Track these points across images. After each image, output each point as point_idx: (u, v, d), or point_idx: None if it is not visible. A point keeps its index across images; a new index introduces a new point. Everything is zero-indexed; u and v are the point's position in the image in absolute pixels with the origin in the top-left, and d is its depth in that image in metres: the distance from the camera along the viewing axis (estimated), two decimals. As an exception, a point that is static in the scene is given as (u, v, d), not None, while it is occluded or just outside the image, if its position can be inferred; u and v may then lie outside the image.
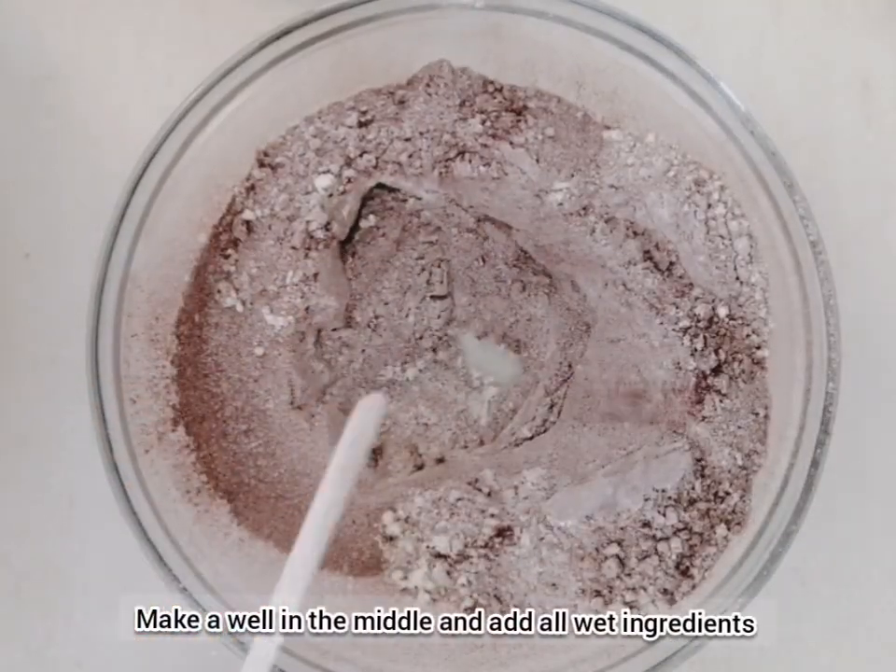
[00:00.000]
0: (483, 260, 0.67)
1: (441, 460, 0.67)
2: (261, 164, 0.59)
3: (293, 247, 0.59)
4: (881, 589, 0.66)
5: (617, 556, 0.57)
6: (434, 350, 0.68)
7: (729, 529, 0.56)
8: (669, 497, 0.57)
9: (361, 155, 0.59)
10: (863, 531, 0.66)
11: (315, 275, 0.60)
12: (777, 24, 0.69)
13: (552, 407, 0.66)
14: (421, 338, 0.67)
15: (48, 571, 0.66)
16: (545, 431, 0.66)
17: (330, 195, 0.59)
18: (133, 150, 0.64)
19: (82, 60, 0.69)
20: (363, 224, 0.64)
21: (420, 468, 0.67)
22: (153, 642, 0.64)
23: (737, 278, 0.57)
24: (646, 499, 0.57)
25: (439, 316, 0.67)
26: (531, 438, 0.66)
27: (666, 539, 0.57)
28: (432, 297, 0.67)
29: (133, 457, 0.55)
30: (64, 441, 0.66)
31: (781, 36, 0.69)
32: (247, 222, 0.59)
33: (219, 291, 0.60)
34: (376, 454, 0.67)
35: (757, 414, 0.57)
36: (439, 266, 0.67)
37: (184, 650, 0.64)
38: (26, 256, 0.67)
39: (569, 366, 0.66)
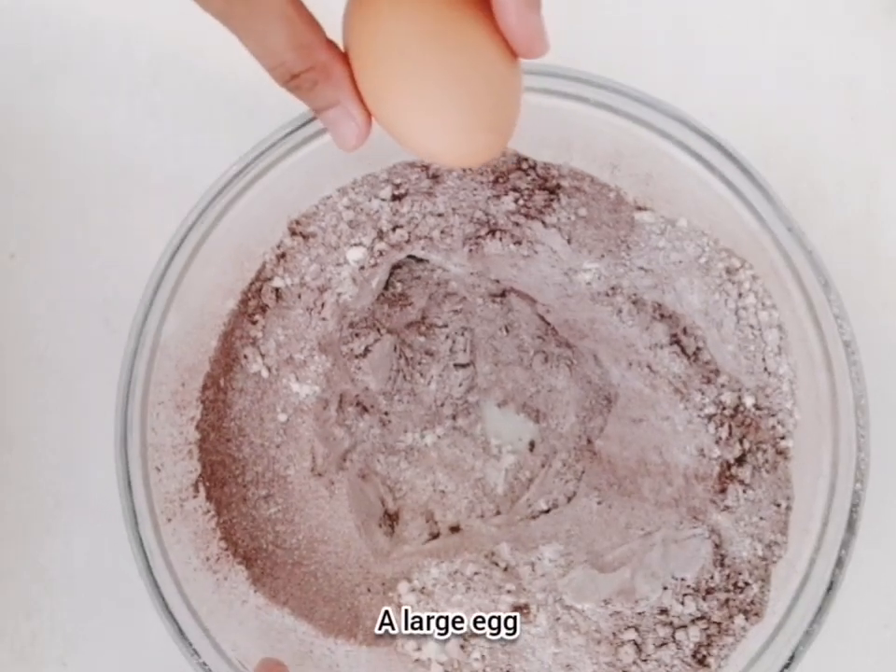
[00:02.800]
0: (507, 330, 0.67)
1: (456, 528, 0.67)
2: (293, 233, 0.59)
3: (323, 318, 0.59)
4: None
5: (634, 642, 0.57)
6: (454, 417, 0.68)
7: (747, 619, 0.56)
8: (688, 586, 0.57)
9: (394, 229, 0.59)
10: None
11: (366, 353, 0.60)
12: (763, 24, 0.69)
13: (569, 481, 0.66)
14: (442, 405, 0.67)
15: (32, 571, 0.66)
16: (562, 505, 0.65)
17: (362, 267, 0.59)
18: (117, 150, 0.65)
19: (68, 60, 0.69)
20: (390, 291, 0.64)
21: (435, 536, 0.67)
22: (137, 642, 0.64)
23: (765, 369, 0.57)
24: (665, 588, 0.57)
25: (461, 384, 0.67)
26: (548, 511, 0.66)
27: (684, 626, 0.57)
28: (455, 365, 0.67)
29: (157, 527, 0.55)
30: (49, 441, 0.66)
31: (766, 36, 0.69)
32: (277, 289, 0.59)
33: (245, 357, 0.59)
34: (392, 520, 0.67)
35: (779, 505, 0.57)
36: (462, 334, 0.67)
37: (169, 650, 0.64)
38: (11, 256, 0.67)
39: (588, 440, 0.66)
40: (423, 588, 0.60)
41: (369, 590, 0.61)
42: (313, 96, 0.43)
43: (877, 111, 0.69)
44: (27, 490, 0.66)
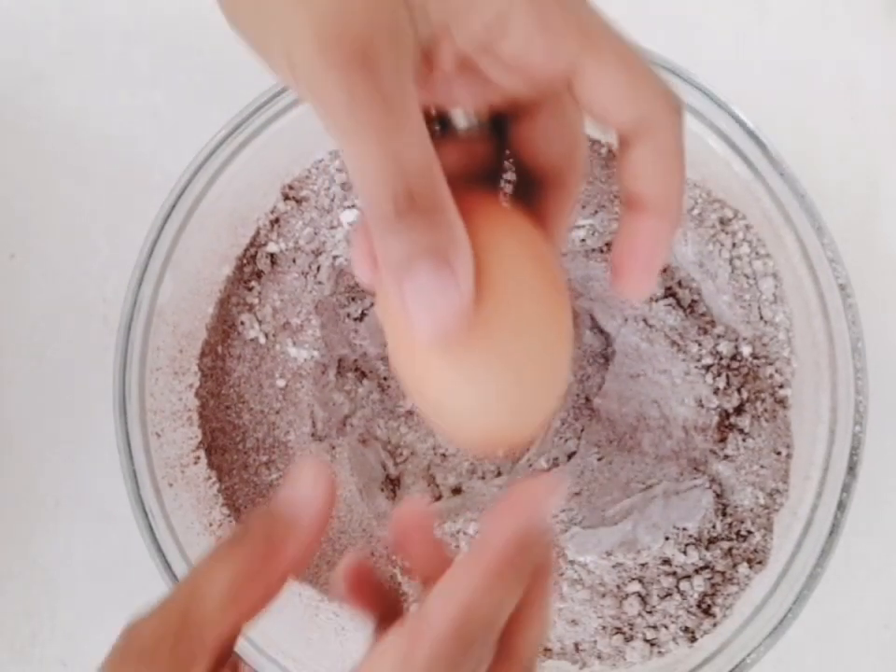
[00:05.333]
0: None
1: (457, 490, 0.67)
2: (286, 197, 0.59)
3: (319, 282, 0.59)
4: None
5: (638, 594, 0.57)
6: (453, 380, 0.68)
7: (751, 568, 0.57)
8: (690, 536, 0.57)
9: (387, 189, 0.59)
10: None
11: (362, 317, 0.60)
12: (762, 25, 0.69)
13: (569, 439, 0.66)
14: (440, 369, 0.67)
15: (33, 571, 0.66)
16: (562, 463, 0.65)
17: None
18: (117, 151, 0.64)
19: (68, 61, 0.69)
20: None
21: (437, 498, 0.67)
22: None
23: (761, 318, 0.57)
24: (666, 538, 0.57)
25: (458, 346, 0.67)
26: (548, 469, 0.66)
27: (688, 577, 0.57)
28: (451, 327, 0.67)
29: (158, 492, 0.55)
30: (49, 441, 0.66)
31: (765, 37, 0.69)
32: (271, 255, 0.59)
33: (242, 323, 0.59)
34: (394, 484, 0.67)
35: (779, 453, 0.57)
36: (458, 296, 0.67)
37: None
38: (11, 256, 0.67)
39: (587, 398, 0.66)
40: (427, 550, 0.60)
41: (372, 553, 0.61)
42: (418, 235, 0.32)
43: (877, 111, 0.69)
44: (27, 490, 0.66)
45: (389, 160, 0.31)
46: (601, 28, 0.34)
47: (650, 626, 0.57)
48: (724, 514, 0.57)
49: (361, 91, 0.30)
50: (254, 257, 0.59)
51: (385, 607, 0.41)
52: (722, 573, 0.57)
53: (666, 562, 0.57)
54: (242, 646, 0.54)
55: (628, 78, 0.33)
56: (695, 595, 0.57)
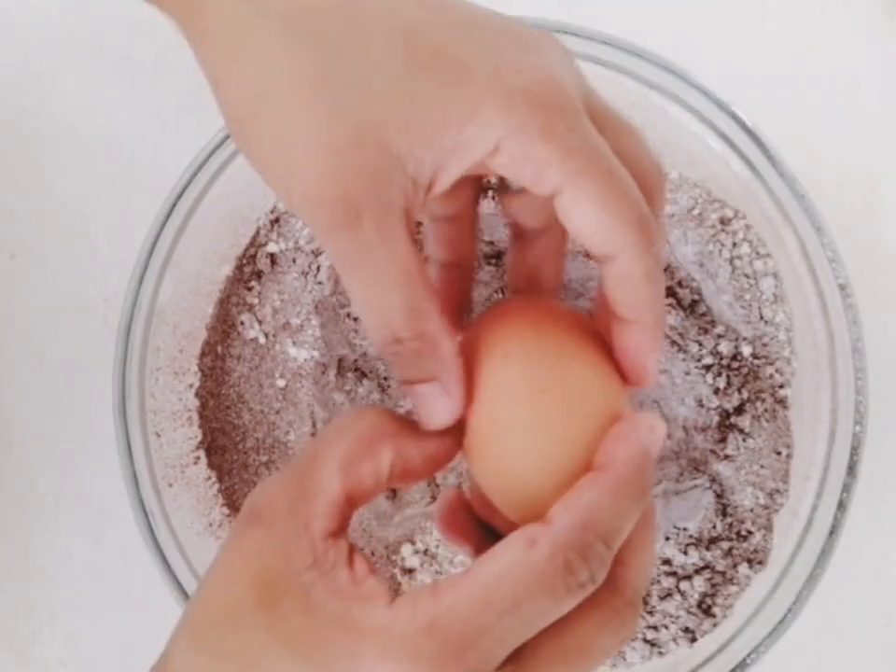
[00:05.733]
0: (503, 292, 0.67)
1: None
2: (287, 197, 0.59)
3: (319, 282, 0.59)
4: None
5: (639, 593, 0.57)
6: (453, 381, 0.68)
7: (751, 568, 0.57)
8: (690, 536, 0.57)
9: (387, 189, 0.59)
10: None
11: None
12: (762, 25, 0.69)
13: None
14: (440, 369, 0.67)
15: (33, 571, 0.65)
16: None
17: (356, 229, 0.59)
18: (118, 151, 0.64)
19: (68, 60, 0.68)
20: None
21: (437, 497, 0.66)
22: (137, 642, 0.64)
23: (762, 317, 0.57)
24: (666, 538, 0.57)
25: (458, 348, 0.67)
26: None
27: (688, 577, 0.57)
28: (452, 328, 0.67)
29: (158, 493, 0.55)
30: (49, 441, 0.65)
31: (765, 37, 0.69)
32: (271, 255, 0.59)
33: (242, 323, 0.59)
34: (394, 484, 0.67)
35: (780, 453, 0.57)
36: (459, 297, 0.67)
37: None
38: (11, 256, 0.67)
39: (587, 398, 0.66)
40: (426, 550, 0.60)
41: (373, 553, 0.61)
42: (410, 366, 0.37)
43: (877, 111, 0.68)
44: (27, 490, 0.66)
45: (374, 306, 0.36)
46: (583, 155, 0.35)
47: (650, 627, 0.57)
48: (724, 514, 0.57)
49: (346, 250, 0.35)
50: (254, 256, 0.59)
51: (480, 540, 0.43)
52: (723, 573, 0.57)
53: (667, 562, 0.57)
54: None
55: (599, 208, 0.35)
56: (696, 596, 0.57)
